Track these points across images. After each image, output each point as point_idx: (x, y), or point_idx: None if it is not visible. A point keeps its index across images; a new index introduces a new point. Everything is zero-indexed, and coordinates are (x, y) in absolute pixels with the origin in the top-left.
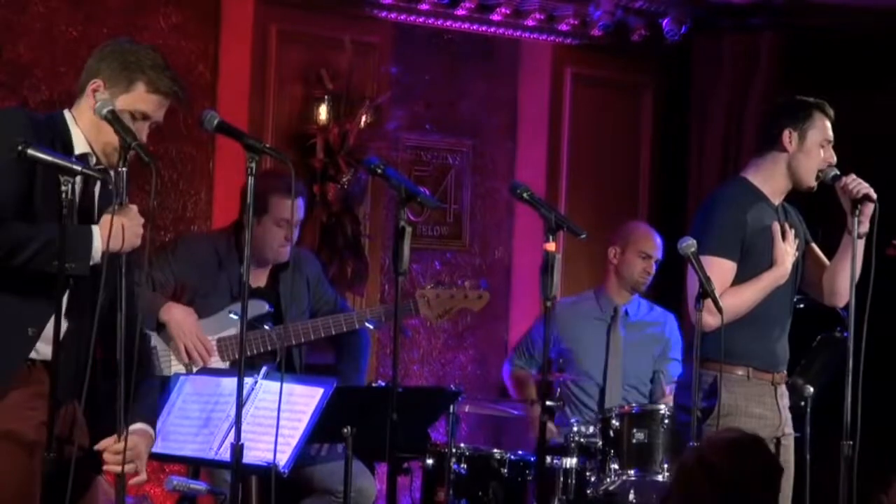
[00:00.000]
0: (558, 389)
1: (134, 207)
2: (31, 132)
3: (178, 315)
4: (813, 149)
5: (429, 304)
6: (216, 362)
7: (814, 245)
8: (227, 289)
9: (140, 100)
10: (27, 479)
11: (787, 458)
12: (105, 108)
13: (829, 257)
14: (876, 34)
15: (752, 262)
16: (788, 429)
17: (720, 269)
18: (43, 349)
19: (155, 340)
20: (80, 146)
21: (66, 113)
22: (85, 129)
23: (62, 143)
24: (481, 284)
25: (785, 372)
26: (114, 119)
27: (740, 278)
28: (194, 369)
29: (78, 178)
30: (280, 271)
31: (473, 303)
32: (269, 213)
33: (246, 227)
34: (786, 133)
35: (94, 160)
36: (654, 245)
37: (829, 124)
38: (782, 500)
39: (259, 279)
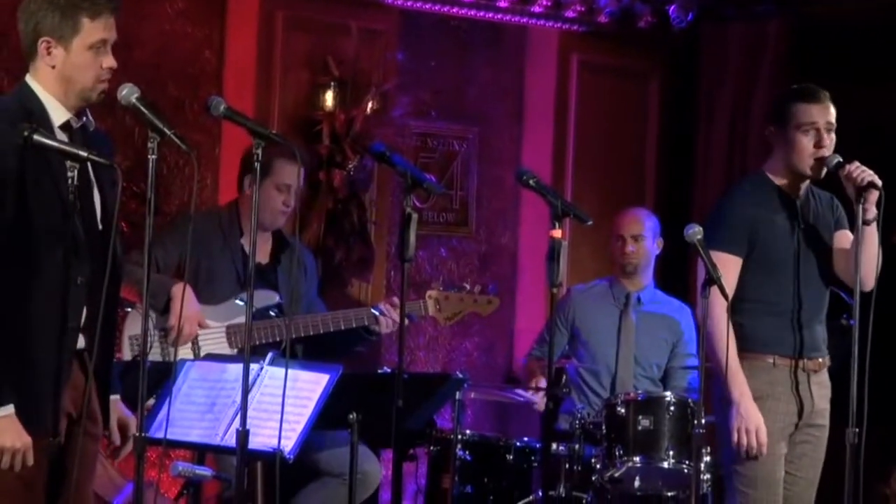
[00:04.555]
0: (564, 377)
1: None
2: (7, 119)
3: (186, 293)
4: (794, 139)
5: (438, 306)
6: (223, 349)
7: (846, 231)
8: (232, 269)
9: (92, 32)
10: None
11: (820, 446)
12: (132, 95)
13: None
14: (884, 21)
15: (757, 255)
16: (821, 420)
17: (724, 264)
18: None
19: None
20: (56, 114)
21: (30, 81)
22: (54, 91)
23: (38, 117)
24: (490, 290)
25: (821, 359)
26: (144, 107)
27: (747, 270)
28: (202, 353)
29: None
30: (281, 252)
31: (483, 307)
32: (271, 177)
33: (252, 213)
34: (768, 131)
35: (78, 124)
36: (623, 224)
37: (812, 108)
38: (808, 487)
39: (262, 254)
